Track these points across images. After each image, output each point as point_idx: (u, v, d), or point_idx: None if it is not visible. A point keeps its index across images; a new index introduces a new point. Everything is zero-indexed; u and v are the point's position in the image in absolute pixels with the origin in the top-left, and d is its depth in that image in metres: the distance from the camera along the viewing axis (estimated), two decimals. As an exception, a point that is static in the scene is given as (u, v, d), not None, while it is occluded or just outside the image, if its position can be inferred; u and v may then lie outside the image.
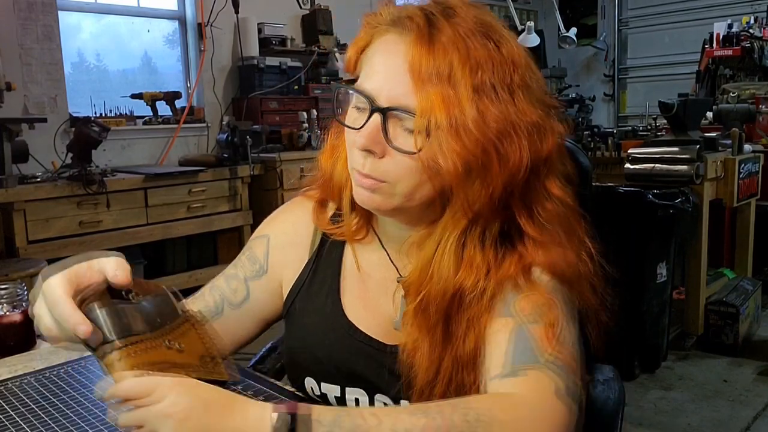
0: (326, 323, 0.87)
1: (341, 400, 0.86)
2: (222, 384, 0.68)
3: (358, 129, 0.74)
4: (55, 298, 0.65)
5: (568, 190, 0.77)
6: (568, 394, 0.66)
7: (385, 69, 0.73)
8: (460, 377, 0.73)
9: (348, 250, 0.89)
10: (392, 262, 0.85)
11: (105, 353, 0.63)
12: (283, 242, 0.93)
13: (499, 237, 0.76)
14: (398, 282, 0.82)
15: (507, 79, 0.71)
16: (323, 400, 0.88)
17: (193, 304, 0.93)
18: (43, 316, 0.67)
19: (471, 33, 0.71)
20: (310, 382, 0.89)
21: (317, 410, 0.61)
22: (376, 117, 0.72)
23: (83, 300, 0.66)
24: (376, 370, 0.82)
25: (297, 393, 0.91)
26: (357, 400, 0.85)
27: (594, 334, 0.80)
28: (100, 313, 0.64)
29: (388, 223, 0.85)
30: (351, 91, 0.76)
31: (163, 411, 0.59)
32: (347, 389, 0.86)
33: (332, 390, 0.87)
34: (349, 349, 0.85)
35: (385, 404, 0.83)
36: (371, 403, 0.85)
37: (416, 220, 0.81)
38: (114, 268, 0.68)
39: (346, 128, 0.78)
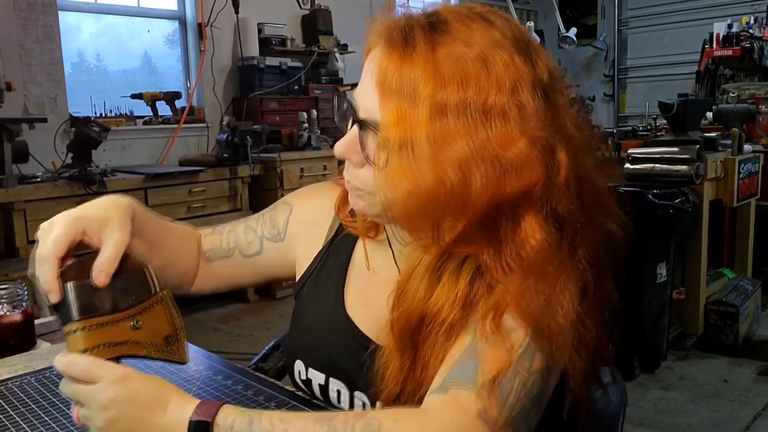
0: (326, 314, 0.89)
1: (324, 389, 0.88)
2: (181, 365, 0.74)
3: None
4: (45, 254, 0.68)
5: (554, 232, 0.68)
6: (497, 422, 0.63)
7: (365, 79, 0.73)
8: (421, 400, 0.71)
9: (359, 246, 0.90)
10: (396, 262, 0.85)
11: (68, 330, 0.66)
12: (303, 218, 0.96)
13: (477, 270, 0.71)
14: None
15: (486, 102, 0.65)
16: (307, 385, 0.90)
17: (210, 237, 0.99)
18: (34, 257, 0.69)
19: (451, 51, 0.66)
20: (299, 365, 0.91)
21: (232, 415, 0.63)
22: (355, 127, 0.73)
23: (78, 256, 0.71)
24: (359, 368, 0.83)
25: (296, 393, 0.91)
26: (339, 392, 0.87)
27: (569, 399, 0.74)
28: (70, 290, 0.67)
29: (389, 226, 0.85)
30: (342, 97, 0.77)
31: (94, 395, 0.64)
32: (331, 380, 0.87)
33: (317, 377, 0.88)
34: (340, 342, 0.86)
35: (363, 403, 0.84)
36: (351, 397, 0.86)
37: None
38: (101, 265, 0.69)
39: None
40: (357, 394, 0.85)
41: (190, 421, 0.62)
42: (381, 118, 0.68)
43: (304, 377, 0.90)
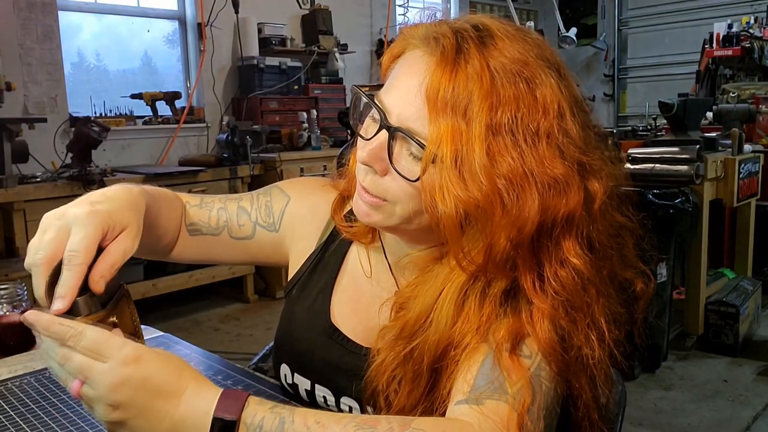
0: (310, 319, 0.88)
1: (311, 394, 0.87)
2: None
3: (367, 140, 0.72)
4: (79, 261, 0.61)
5: (589, 259, 0.68)
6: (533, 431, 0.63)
7: (403, 86, 0.70)
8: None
9: (352, 252, 0.89)
10: (391, 271, 0.84)
11: None
12: (300, 214, 0.93)
13: (504, 294, 0.69)
14: (395, 294, 0.79)
15: (533, 124, 0.65)
16: (294, 389, 0.90)
17: (198, 210, 0.93)
18: (34, 246, 0.63)
19: (503, 68, 0.66)
20: (284, 369, 0.90)
21: (260, 413, 0.58)
22: (384, 134, 0.70)
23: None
24: (346, 375, 0.82)
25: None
26: (325, 398, 0.86)
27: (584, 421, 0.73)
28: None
29: (389, 235, 0.83)
30: (367, 100, 0.73)
31: (102, 374, 0.57)
32: (317, 386, 0.87)
33: (303, 383, 0.88)
34: (325, 349, 0.85)
35: (350, 407, 0.84)
36: (337, 403, 0.85)
37: (418, 240, 0.78)
38: (103, 272, 0.63)
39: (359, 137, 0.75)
40: (344, 399, 0.84)
41: (214, 418, 0.57)
42: (431, 133, 0.66)
43: (290, 381, 0.90)
